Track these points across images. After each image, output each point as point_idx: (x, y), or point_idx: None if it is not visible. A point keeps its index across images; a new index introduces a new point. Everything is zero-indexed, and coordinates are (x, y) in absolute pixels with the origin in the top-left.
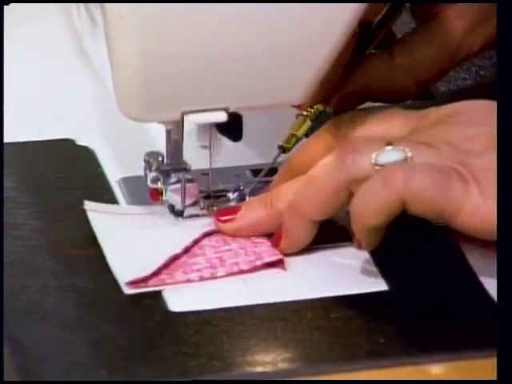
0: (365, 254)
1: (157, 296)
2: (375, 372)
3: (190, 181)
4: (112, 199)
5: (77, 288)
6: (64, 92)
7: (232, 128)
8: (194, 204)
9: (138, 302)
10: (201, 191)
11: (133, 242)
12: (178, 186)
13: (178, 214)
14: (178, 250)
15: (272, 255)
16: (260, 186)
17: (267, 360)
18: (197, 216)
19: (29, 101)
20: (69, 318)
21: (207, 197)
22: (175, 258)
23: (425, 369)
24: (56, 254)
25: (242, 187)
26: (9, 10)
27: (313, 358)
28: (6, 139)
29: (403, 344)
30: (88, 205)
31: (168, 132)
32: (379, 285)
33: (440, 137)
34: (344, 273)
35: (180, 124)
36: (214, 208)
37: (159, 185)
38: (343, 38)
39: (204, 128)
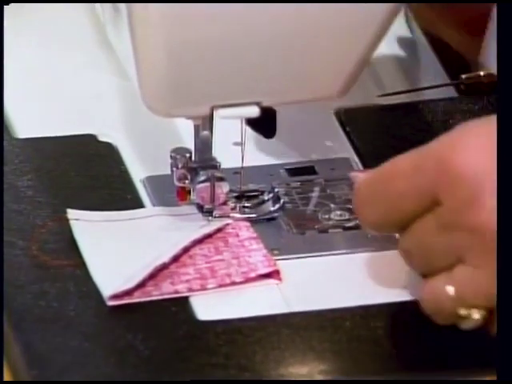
0: None
1: (184, 303)
2: None
3: (220, 179)
4: (136, 199)
5: (98, 294)
6: (86, 84)
7: (265, 124)
8: (224, 204)
9: (165, 310)
10: (232, 191)
11: (118, 251)
12: (207, 184)
13: (207, 213)
14: (166, 258)
15: (267, 266)
16: (296, 186)
17: (303, 372)
18: (227, 217)
19: (48, 94)
20: (90, 327)
21: (239, 197)
22: (163, 267)
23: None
24: (76, 258)
25: (275, 188)
26: None
27: (351, 370)
28: (24, 134)
29: (450, 357)
30: (71, 213)
31: (196, 127)
32: None
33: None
34: (385, 279)
35: (209, 119)
36: (246, 210)
37: (187, 183)
38: (381, 33)
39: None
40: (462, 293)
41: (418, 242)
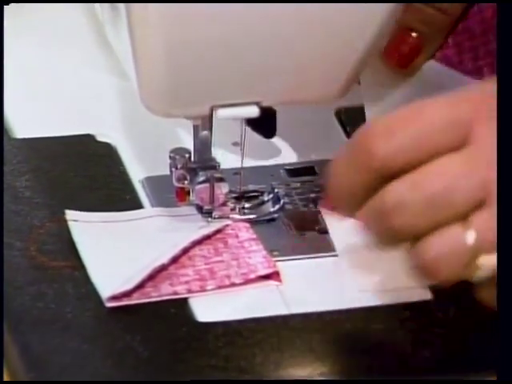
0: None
1: (183, 305)
2: None
3: (219, 180)
4: (134, 200)
5: (97, 296)
6: (84, 84)
7: (265, 124)
8: (224, 205)
9: (164, 312)
10: (231, 191)
11: (116, 252)
12: (206, 185)
13: (206, 214)
14: (165, 259)
15: (267, 267)
16: (296, 187)
17: (303, 374)
18: (227, 218)
19: (47, 94)
20: (88, 329)
21: (238, 198)
22: (161, 268)
23: None
24: (75, 259)
25: (275, 188)
26: None
27: (352, 372)
28: (22, 134)
29: (451, 359)
30: (70, 214)
31: (195, 128)
32: (424, 293)
33: None
34: (385, 281)
35: (208, 119)
36: (246, 211)
37: (186, 184)
38: (381, 33)
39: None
40: (482, 238)
41: (437, 185)
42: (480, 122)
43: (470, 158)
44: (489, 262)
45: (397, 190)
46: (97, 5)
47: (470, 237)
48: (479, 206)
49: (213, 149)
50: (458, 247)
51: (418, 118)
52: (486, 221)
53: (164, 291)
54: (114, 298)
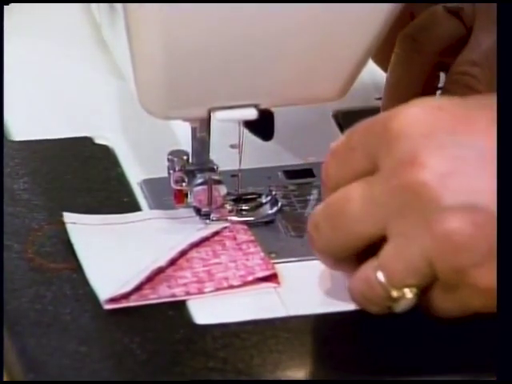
0: None
1: (181, 307)
2: None
3: (217, 182)
4: (133, 202)
5: (95, 298)
6: (81, 86)
7: (263, 126)
8: (222, 207)
9: (162, 314)
10: (229, 193)
11: (114, 255)
12: (204, 187)
13: (204, 216)
14: (163, 262)
15: (265, 269)
16: (294, 189)
17: (300, 376)
18: (225, 220)
19: (44, 95)
20: (86, 331)
21: (236, 200)
22: (159, 271)
23: None
24: (73, 261)
25: (273, 191)
26: None
27: (350, 373)
28: (20, 137)
29: (451, 359)
30: (68, 217)
31: (193, 130)
32: None
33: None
34: None
35: (206, 121)
36: (244, 213)
37: (184, 186)
38: (380, 35)
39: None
40: (391, 274)
41: (336, 211)
42: (383, 144)
43: (372, 186)
44: (405, 294)
45: (315, 214)
46: (94, 6)
47: (380, 276)
48: (382, 233)
49: (211, 151)
50: (371, 285)
51: (344, 143)
52: (390, 254)
53: (162, 293)
54: (112, 300)
